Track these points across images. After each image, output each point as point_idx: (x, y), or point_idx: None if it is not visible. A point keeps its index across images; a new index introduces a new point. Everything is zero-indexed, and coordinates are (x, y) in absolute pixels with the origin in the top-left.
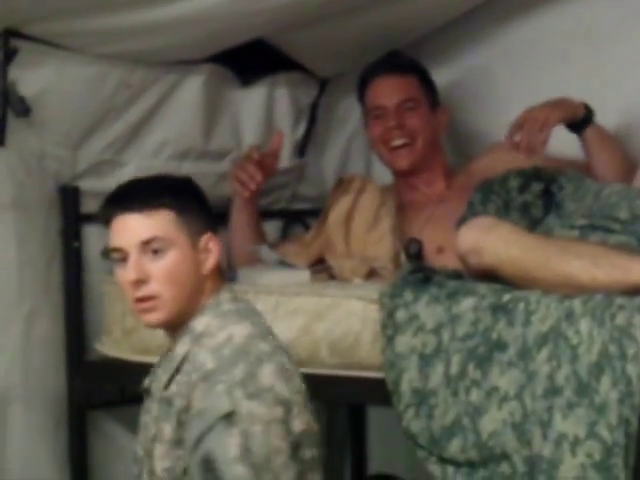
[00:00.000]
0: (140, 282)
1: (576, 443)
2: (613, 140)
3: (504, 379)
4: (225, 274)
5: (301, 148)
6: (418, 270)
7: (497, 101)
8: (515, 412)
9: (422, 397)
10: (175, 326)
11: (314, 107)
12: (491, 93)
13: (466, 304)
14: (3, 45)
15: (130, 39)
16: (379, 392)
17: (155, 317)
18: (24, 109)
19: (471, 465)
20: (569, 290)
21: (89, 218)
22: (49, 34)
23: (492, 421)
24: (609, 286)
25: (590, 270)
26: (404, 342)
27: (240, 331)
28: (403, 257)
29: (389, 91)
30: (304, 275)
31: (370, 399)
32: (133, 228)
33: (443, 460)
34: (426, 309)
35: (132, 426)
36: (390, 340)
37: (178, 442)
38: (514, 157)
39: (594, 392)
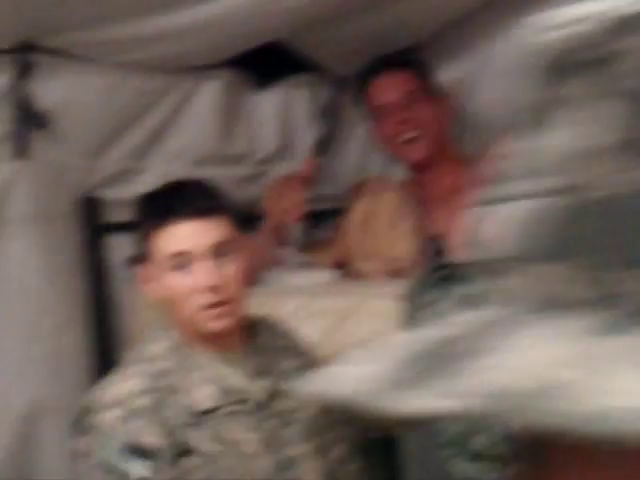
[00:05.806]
0: (217, 287)
1: None
2: None
3: None
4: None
5: (321, 148)
6: (441, 267)
7: None
8: None
9: None
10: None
11: (332, 106)
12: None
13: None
14: (19, 59)
15: (146, 47)
16: None
17: (228, 322)
18: (42, 122)
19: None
20: None
21: (111, 227)
22: (64, 46)
23: None
24: None
25: None
26: None
27: None
28: (426, 255)
29: (389, 88)
30: (328, 276)
31: None
32: (203, 232)
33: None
34: (451, 307)
35: None
36: None
37: None
38: None
39: None
